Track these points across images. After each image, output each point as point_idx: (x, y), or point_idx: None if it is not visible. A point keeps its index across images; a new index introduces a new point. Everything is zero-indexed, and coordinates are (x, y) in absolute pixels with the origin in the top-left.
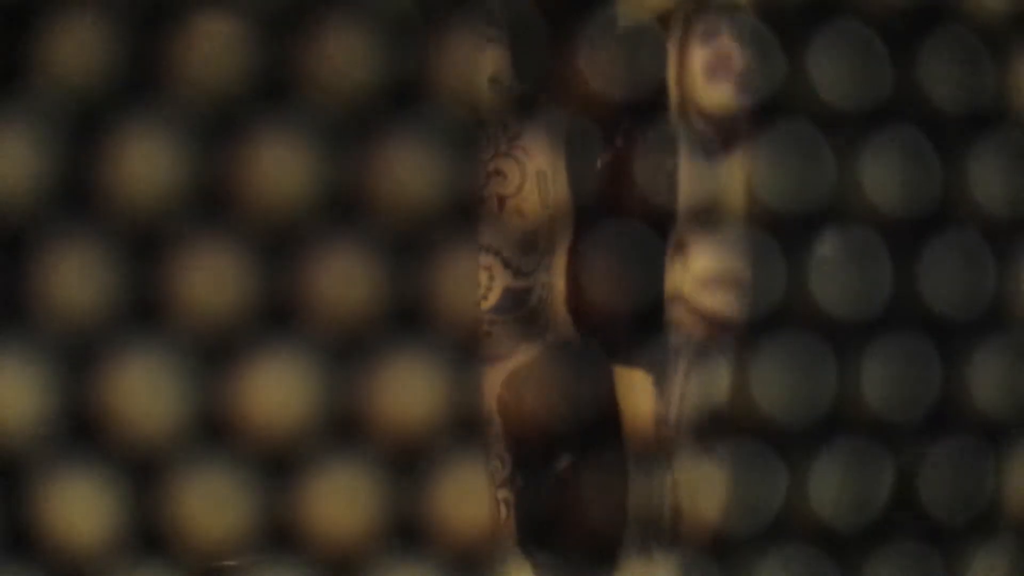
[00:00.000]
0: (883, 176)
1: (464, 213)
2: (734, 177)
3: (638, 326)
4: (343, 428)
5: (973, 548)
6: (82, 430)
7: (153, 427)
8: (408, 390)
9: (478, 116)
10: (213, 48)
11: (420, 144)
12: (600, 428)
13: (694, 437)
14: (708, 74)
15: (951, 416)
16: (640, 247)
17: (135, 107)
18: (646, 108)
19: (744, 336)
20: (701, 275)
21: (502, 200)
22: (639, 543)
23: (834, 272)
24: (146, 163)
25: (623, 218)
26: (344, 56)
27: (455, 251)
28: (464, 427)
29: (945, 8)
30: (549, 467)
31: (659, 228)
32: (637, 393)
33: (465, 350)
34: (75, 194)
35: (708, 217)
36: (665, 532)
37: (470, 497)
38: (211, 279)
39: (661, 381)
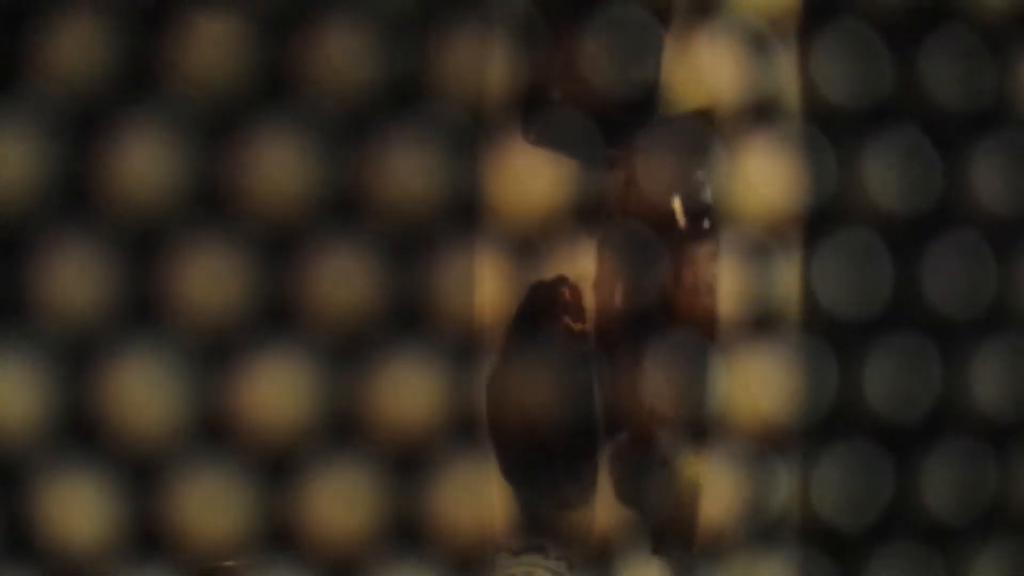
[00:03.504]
0: (884, 176)
1: (464, 213)
2: (737, 177)
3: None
4: (342, 429)
5: (975, 550)
6: (80, 430)
7: (152, 427)
8: (408, 391)
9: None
10: (212, 47)
11: (420, 144)
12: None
13: (698, 439)
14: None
15: (953, 416)
16: (644, 251)
17: (134, 106)
18: (647, 108)
19: (747, 339)
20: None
21: None
22: (641, 544)
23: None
24: (145, 163)
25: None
26: (344, 55)
27: (455, 251)
28: (463, 428)
29: (947, 7)
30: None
31: (664, 231)
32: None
33: (464, 351)
34: (73, 194)
35: (711, 216)
36: (668, 534)
37: (469, 498)
38: (210, 279)
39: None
